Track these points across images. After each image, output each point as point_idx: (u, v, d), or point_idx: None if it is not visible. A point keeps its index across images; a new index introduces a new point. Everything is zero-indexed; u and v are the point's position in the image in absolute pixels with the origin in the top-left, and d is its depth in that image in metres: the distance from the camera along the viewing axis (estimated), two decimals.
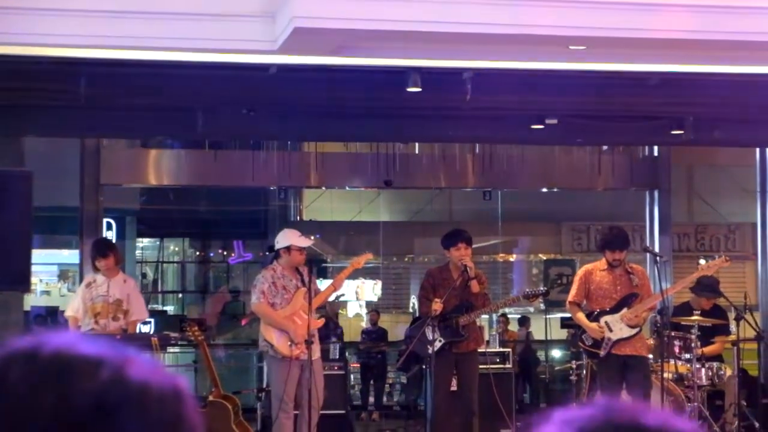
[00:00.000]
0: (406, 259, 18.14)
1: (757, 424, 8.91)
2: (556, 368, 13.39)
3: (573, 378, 9.66)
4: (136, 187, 15.38)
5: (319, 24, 6.51)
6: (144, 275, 19.50)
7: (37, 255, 12.45)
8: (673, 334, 8.89)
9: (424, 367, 9.23)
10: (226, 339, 16.02)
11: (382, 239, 16.92)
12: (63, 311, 10.26)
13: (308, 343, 8.14)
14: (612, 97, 9.61)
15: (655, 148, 14.17)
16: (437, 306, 8.24)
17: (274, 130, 11.01)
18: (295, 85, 9.11)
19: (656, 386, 8.40)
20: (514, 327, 15.16)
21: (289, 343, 8.24)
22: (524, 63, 8.22)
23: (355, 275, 14.49)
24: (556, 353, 15.09)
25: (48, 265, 17.85)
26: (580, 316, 8.50)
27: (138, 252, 19.09)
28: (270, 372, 8.68)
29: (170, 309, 19.96)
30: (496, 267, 17.62)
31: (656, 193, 14.41)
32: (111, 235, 14.65)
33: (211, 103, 9.65)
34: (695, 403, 8.52)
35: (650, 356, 8.70)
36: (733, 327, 9.30)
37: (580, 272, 8.83)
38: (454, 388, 8.61)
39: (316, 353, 8.37)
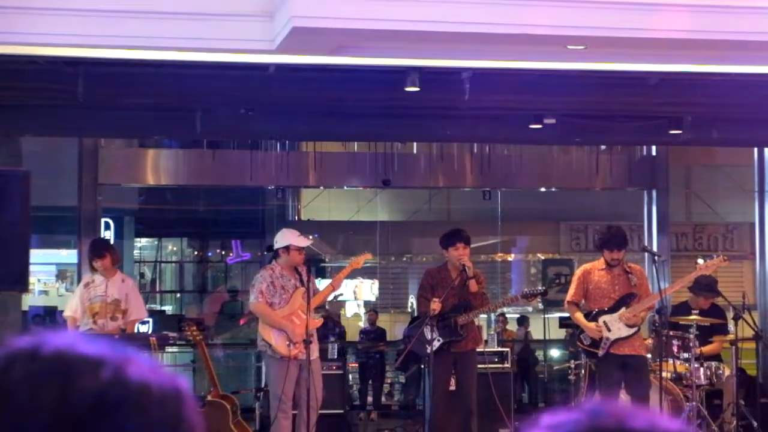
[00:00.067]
0: (405, 259, 18.12)
1: (755, 424, 8.91)
2: (555, 368, 13.37)
3: (571, 377, 9.65)
4: (134, 186, 15.37)
5: (317, 24, 6.50)
6: (142, 275, 19.48)
7: (35, 255, 12.47)
8: (671, 333, 8.88)
9: (422, 366, 9.23)
10: (225, 339, 15.98)
11: (380, 239, 16.91)
12: (61, 311, 10.25)
13: (307, 342, 8.14)
14: (610, 97, 9.61)
15: (654, 147, 14.18)
16: (436, 306, 8.24)
17: (272, 130, 11.01)
18: (294, 85, 9.11)
19: (655, 386, 8.41)
20: (512, 326, 15.18)
21: (287, 342, 8.23)
22: (523, 63, 8.22)
23: (353, 275, 14.48)
24: (555, 353, 15.09)
25: (46, 265, 17.81)
26: (579, 316, 8.50)
27: (136, 252, 19.06)
28: (268, 372, 8.67)
29: (168, 309, 19.94)
30: (494, 266, 17.61)
31: (654, 193, 14.42)
32: (109, 234, 14.62)
33: (210, 102, 9.65)
34: (694, 403, 8.51)
35: (649, 356, 8.70)
36: (731, 326, 9.29)
37: (578, 272, 8.83)
38: (452, 387, 8.60)
39: (315, 353, 8.37)
